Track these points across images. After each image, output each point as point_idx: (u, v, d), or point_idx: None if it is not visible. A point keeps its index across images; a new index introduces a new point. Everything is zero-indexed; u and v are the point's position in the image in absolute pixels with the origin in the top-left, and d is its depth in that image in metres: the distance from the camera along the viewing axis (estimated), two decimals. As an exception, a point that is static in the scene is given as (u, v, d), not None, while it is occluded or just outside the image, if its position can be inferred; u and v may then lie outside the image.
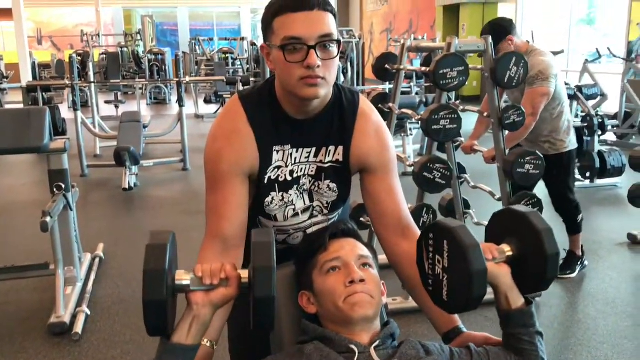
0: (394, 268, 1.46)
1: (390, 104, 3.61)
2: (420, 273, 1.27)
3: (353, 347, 1.18)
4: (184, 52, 15.54)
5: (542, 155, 3.17)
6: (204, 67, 13.53)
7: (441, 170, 2.99)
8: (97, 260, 3.96)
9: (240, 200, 1.41)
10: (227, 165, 1.38)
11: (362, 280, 1.23)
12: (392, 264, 1.46)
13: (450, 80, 2.88)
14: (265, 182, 1.43)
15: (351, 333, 1.22)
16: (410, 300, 3.01)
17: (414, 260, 1.32)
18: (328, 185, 1.47)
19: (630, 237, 4.22)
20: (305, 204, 1.48)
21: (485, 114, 3.23)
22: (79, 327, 3.02)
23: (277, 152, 1.41)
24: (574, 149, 3.56)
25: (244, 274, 1.11)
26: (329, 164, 1.45)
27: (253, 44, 13.41)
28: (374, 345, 1.20)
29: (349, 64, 11.22)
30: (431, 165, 2.98)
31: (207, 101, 12.44)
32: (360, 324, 1.22)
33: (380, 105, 3.61)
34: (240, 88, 9.34)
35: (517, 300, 1.22)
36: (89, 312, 3.21)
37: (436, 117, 2.90)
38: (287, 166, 1.43)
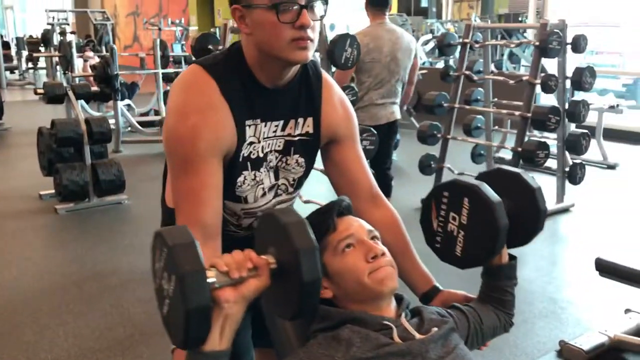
0: None
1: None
2: (425, 231, 1.33)
3: (387, 322, 1.14)
4: None
5: (375, 132, 3.39)
6: None
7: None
8: None
9: (219, 183, 1.27)
10: (205, 143, 1.23)
11: (382, 254, 1.19)
12: None
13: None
14: (240, 160, 1.31)
15: (378, 309, 1.17)
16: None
17: (390, 226, 1.42)
18: (297, 160, 1.40)
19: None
20: (271, 182, 1.39)
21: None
22: None
23: (250, 126, 1.30)
24: None
25: (270, 259, 1.00)
26: (298, 137, 1.38)
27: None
28: (402, 317, 1.17)
29: (104, 47, 10.45)
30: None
31: None
32: (387, 298, 1.19)
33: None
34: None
35: (505, 254, 1.32)
36: None
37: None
38: (259, 142, 1.33)
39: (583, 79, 4.11)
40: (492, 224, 1.21)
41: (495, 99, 5.15)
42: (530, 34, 8.54)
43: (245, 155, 1.31)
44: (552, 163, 4.63)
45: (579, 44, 4.14)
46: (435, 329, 1.15)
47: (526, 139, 4.22)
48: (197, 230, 1.21)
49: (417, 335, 1.14)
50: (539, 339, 2.74)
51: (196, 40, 3.58)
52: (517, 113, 4.27)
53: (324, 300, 1.20)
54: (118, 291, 3.26)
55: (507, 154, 5.62)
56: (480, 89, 4.91)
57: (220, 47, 3.47)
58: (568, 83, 4.37)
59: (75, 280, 3.42)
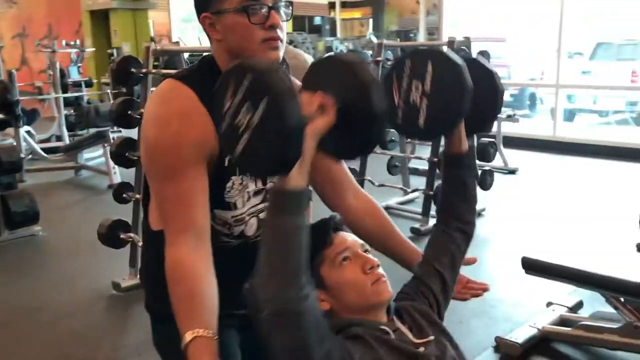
0: (356, 229, 1.46)
1: (142, 110, 3.42)
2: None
3: (384, 327, 1.21)
4: None
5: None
6: None
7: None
8: None
9: (205, 187, 1.28)
10: (189, 148, 1.24)
11: (378, 265, 1.25)
12: (352, 225, 1.46)
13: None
14: (226, 164, 1.32)
15: (374, 318, 1.24)
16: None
17: (374, 214, 1.49)
18: None
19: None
20: (257, 187, 1.41)
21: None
22: None
23: None
24: None
25: (334, 98, 1.06)
26: None
27: None
28: (396, 322, 1.25)
29: (-6, 72, 9.81)
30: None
31: None
32: (384, 307, 1.25)
33: (130, 112, 3.41)
34: None
35: (465, 142, 1.33)
36: None
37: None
38: None
39: (489, 91, 4.41)
40: (457, 86, 1.19)
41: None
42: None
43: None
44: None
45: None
46: (432, 337, 1.23)
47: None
48: (191, 233, 1.24)
49: (413, 340, 1.22)
50: (475, 337, 2.91)
51: (117, 64, 3.50)
52: (431, 125, 4.50)
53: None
54: (50, 328, 3.11)
55: (420, 165, 5.91)
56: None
57: (144, 70, 3.42)
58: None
59: (0, 321, 3.22)
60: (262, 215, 1.45)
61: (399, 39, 11.38)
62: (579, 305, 3.12)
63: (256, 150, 0.97)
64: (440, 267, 1.35)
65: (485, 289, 1.49)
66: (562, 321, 2.91)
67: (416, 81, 1.23)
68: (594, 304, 3.04)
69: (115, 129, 6.01)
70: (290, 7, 1.31)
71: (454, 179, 1.37)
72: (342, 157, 1.19)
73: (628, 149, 7.12)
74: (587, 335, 2.69)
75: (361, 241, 1.30)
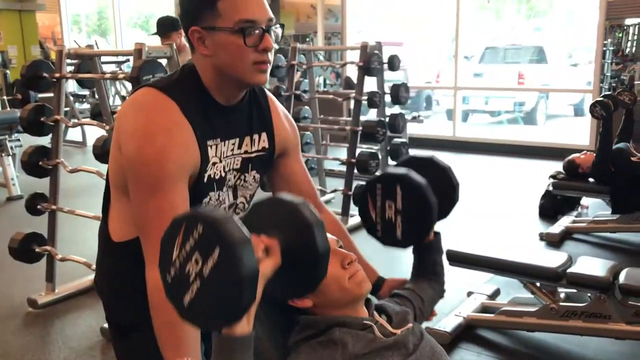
0: None
1: (57, 116, 3.26)
2: (365, 223, 1.45)
3: (367, 322, 1.26)
4: None
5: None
6: None
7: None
8: None
9: (187, 205, 1.27)
10: (174, 164, 1.22)
11: (355, 259, 1.30)
12: None
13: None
14: (205, 180, 1.31)
15: (355, 312, 1.28)
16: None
17: (335, 230, 1.49)
18: (254, 177, 1.44)
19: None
20: (230, 201, 1.41)
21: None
22: None
23: (211, 147, 1.32)
24: None
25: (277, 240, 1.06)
26: (255, 154, 1.42)
27: None
28: (377, 316, 1.30)
29: None
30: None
31: None
32: (362, 300, 1.30)
33: (43, 119, 3.25)
34: None
35: (433, 231, 1.47)
36: None
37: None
38: (220, 162, 1.35)
39: (400, 94, 4.61)
40: (424, 204, 1.36)
41: (322, 116, 5.49)
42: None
43: (211, 176, 1.32)
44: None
45: (394, 63, 4.63)
46: (410, 325, 1.29)
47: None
48: None
49: (392, 330, 1.27)
50: (405, 329, 3.02)
51: (27, 68, 3.30)
52: (348, 128, 4.62)
53: (301, 310, 1.28)
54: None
55: (334, 166, 6.03)
56: (307, 107, 5.20)
57: (57, 75, 3.27)
58: (387, 98, 4.85)
59: None
60: None
61: (297, 43, 11.48)
62: (497, 292, 3.33)
63: (207, 299, 0.93)
64: (422, 295, 1.45)
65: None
66: (484, 308, 3.11)
67: (389, 201, 1.39)
68: (509, 290, 3.27)
69: (14, 137, 5.65)
70: (281, 29, 1.30)
71: (426, 260, 1.50)
72: (288, 297, 1.19)
73: (519, 146, 7.67)
74: (508, 320, 2.88)
75: (335, 238, 1.35)
